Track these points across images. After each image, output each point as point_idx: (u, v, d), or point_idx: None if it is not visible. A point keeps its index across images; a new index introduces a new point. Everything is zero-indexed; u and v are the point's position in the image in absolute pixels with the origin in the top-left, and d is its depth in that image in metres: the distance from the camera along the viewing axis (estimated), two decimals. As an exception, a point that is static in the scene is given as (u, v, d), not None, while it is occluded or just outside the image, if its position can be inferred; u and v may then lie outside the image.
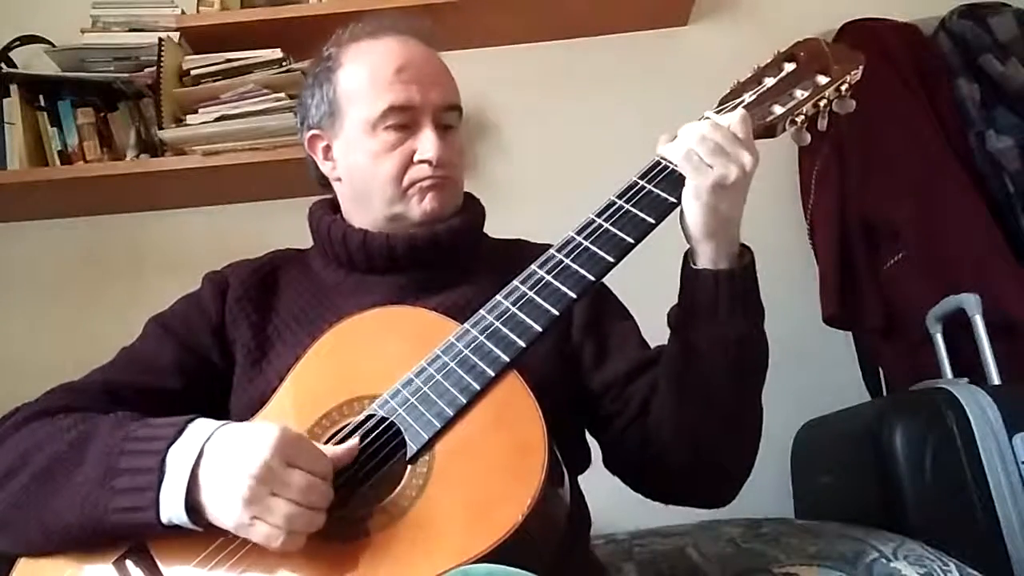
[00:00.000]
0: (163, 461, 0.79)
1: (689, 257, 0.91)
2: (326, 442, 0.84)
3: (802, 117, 0.92)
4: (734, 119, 0.88)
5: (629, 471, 1.02)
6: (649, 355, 1.01)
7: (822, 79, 0.93)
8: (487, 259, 1.06)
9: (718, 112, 0.92)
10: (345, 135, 1.05)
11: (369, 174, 1.03)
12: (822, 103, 0.93)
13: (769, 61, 0.97)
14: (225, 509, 0.76)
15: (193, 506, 0.77)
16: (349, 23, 1.10)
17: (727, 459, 0.96)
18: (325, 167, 1.09)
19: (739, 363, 0.90)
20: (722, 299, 0.88)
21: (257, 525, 0.75)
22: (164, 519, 0.77)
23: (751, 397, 0.94)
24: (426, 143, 1.01)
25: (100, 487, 0.80)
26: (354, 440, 0.82)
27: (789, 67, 0.96)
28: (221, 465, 0.77)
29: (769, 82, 0.95)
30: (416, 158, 1.01)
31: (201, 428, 0.81)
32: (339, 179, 1.08)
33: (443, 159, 1.02)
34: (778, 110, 0.92)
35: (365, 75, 1.03)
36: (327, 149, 1.08)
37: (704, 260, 0.89)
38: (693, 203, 0.86)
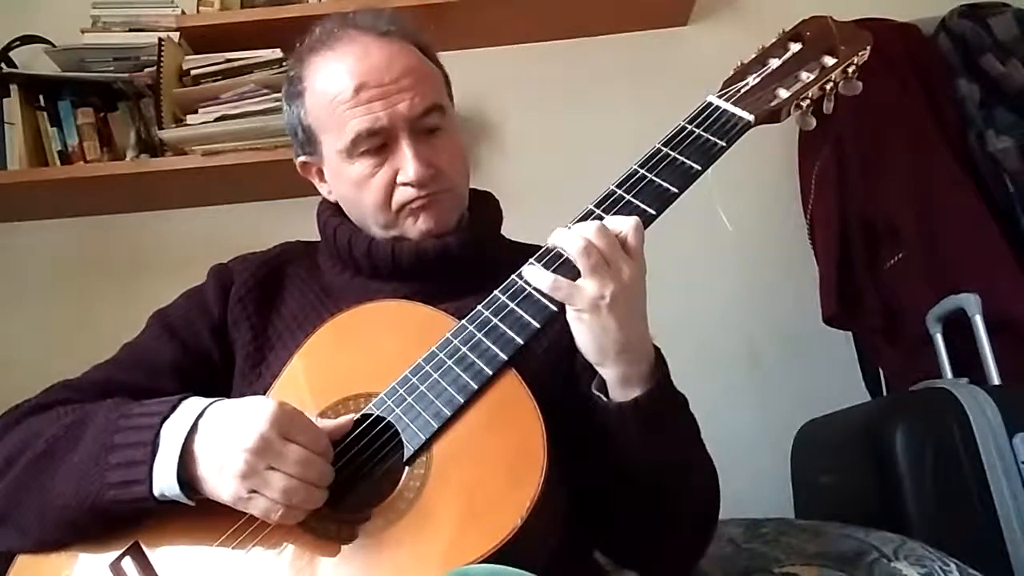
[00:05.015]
0: (157, 435, 0.80)
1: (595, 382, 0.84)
2: None
3: (808, 101, 0.88)
4: (627, 226, 0.79)
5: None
6: None
7: (829, 60, 0.89)
8: (503, 266, 0.90)
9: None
10: (328, 162, 1.02)
11: (358, 201, 1.00)
12: (828, 85, 0.89)
13: (774, 40, 0.92)
14: (221, 483, 0.77)
15: (188, 480, 0.78)
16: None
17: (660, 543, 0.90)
18: (322, 189, 1.07)
19: (661, 479, 0.84)
20: (632, 432, 0.81)
21: (255, 499, 0.76)
22: (156, 492, 0.78)
23: (685, 492, 0.88)
24: (404, 164, 0.95)
25: (95, 464, 0.80)
26: (348, 416, 0.83)
27: (795, 47, 0.91)
28: (216, 439, 0.78)
29: (774, 63, 0.90)
30: (399, 180, 0.96)
31: (195, 403, 0.82)
32: (337, 200, 1.05)
33: (425, 178, 0.95)
34: (783, 94, 0.88)
35: (327, 102, 0.97)
36: (320, 172, 1.06)
37: (610, 388, 0.83)
38: (575, 324, 0.80)
